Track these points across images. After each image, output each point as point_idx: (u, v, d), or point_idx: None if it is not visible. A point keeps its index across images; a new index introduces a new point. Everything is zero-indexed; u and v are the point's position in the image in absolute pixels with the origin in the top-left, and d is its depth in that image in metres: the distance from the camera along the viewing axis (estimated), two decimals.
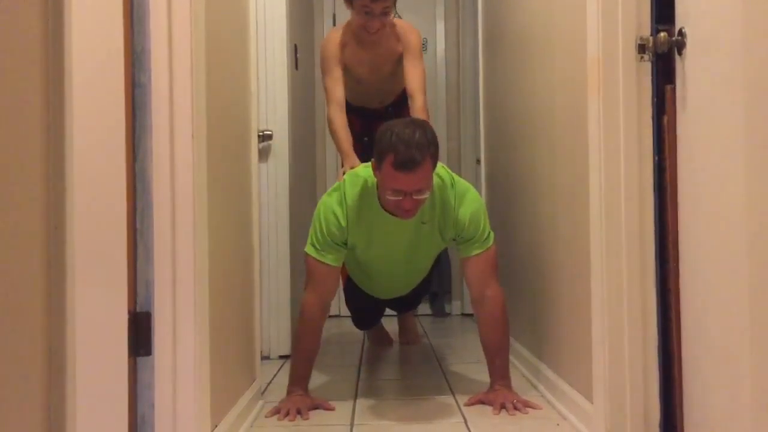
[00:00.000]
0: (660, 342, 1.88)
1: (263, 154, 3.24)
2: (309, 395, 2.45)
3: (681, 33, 1.76)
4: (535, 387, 2.63)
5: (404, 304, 3.39)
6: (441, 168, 2.48)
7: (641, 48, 1.86)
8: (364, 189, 2.43)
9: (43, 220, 1.12)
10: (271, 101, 3.30)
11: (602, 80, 1.89)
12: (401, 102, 3.15)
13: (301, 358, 2.49)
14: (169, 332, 1.60)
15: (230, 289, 2.15)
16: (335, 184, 2.53)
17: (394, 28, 3.07)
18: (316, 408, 2.40)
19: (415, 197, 2.26)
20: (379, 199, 2.40)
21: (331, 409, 2.41)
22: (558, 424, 2.20)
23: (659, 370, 1.88)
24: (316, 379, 2.70)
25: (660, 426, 1.88)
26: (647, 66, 1.87)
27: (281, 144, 3.31)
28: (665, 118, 1.85)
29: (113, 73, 1.53)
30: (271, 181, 3.30)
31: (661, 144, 1.87)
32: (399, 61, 3.10)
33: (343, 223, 2.42)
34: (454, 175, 2.53)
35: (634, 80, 1.87)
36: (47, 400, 1.14)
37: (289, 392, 2.44)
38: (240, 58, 2.36)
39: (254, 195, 2.50)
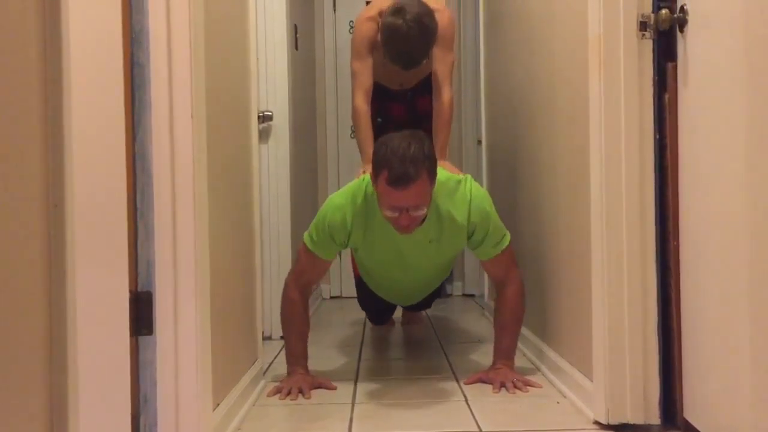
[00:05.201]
0: (660, 320, 1.88)
1: (263, 135, 3.23)
2: (310, 374, 2.46)
3: (683, 10, 1.75)
4: (536, 366, 2.65)
5: (416, 306, 3.35)
6: (442, 174, 2.36)
7: (643, 25, 1.85)
8: (375, 196, 2.31)
9: (43, 198, 1.12)
10: (271, 82, 3.28)
11: (603, 58, 1.88)
12: (422, 87, 3.06)
13: (294, 339, 2.48)
14: (171, 311, 1.61)
15: (231, 269, 2.16)
16: (353, 183, 2.46)
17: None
18: (317, 387, 2.41)
19: (411, 213, 2.18)
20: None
21: (333, 388, 2.42)
22: (558, 402, 2.21)
23: (659, 348, 1.88)
24: (318, 359, 2.72)
25: (659, 403, 1.89)
26: (649, 43, 1.86)
27: (281, 125, 3.31)
28: (666, 96, 1.85)
29: (112, 52, 1.52)
30: (271, 162, 3.30)
31: (662, 122, 1.87)
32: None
33: (348, 224, 2.35)
34: (458, 177, 2.42)
35: (636, 58, 1.86)
36: (50, 380, 1.14)
37: (289, 372, 2.45)
38: (239, 37, 2.35)
39: (254, 175, 2.49)
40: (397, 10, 2.69)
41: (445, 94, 2.87)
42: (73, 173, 1.19)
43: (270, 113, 3.26)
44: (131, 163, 1.59)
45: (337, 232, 2.38)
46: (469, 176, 2.47)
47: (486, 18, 3.82)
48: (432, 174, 2.20)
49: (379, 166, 2.16)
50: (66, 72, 1.17)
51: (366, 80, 2.86)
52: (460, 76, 4.79)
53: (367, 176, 2.36)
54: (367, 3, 4.82)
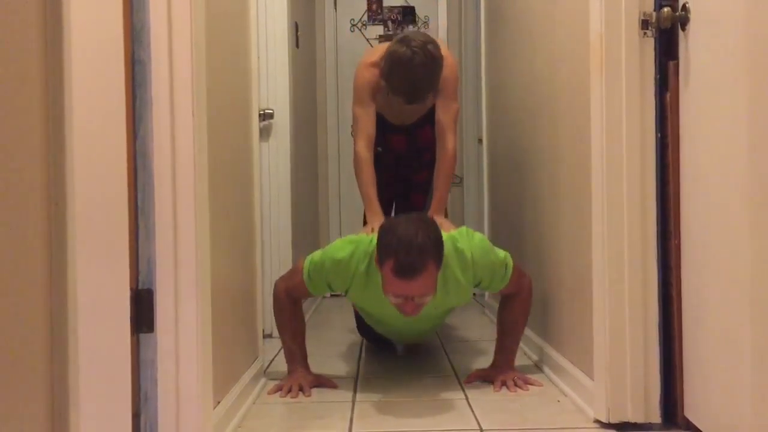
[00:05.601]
0: (660, 319, 1.88)
1: (264, 133, 3.23)
2: (311, 372, 2.46)
3: (684, 8, 1.75)
4: (536, 365, 2.65)
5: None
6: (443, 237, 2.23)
7: (644, 24, 1.85)
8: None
9: (44, 196, 1.12)
10: (272, 80, 3.28)
11: (605, 57, 1.88)
12: (423, 119, 2.94)
13: (289, 338, 2.47)
14: (171, 309, 1.61)
15: (232, 267, 2.16)
16: (360, 238, 2.36)
17: None
18: (318, 385, 2.42)
19: (417, 301, 2.14)
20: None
21: (334, 386, 2.42)
22: (559, 401, 2.21)
23: (660, 347, 1.88)
24: (318, 357, 2.71)
25: (660, 402, 1.89)
26: (650, 42, 1.86)
27: (282, 123, 3.31)
28: (668, 95, 1.85)
29: (113, 50, 1.51)
30: (272, 160, 3.30)
31: (663, 121, 1.86)
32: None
33: (348, 282, 2.32)
34: (455, 236, 2.32)
35: (637, 57, 1.86)
36: (50, 377, 1.14)
37: (290, 371, 2.45)
38: (241, 35, 2.35)
39: (255, 174, 2.49)
40: (402, 39, 2.60)
41: (449, 143, 2.73)
42: (74, 171, 1.19)
43: (271, 111, 3.26)
44: (132, 161, 1.59)
45: (335, 284, 2.36)
46: (463, 228, 2.40)
47: (487, 16, 3.82)
48: (439, 261, 2.14)
49: (384, 253, 2.11)
50: (67, 70, 1.17)
51: (368, 127, 2.73)
52: (461, 75, 4.79)
53: (374, 239, 2.24)
54: (369, 7, 4.84)
